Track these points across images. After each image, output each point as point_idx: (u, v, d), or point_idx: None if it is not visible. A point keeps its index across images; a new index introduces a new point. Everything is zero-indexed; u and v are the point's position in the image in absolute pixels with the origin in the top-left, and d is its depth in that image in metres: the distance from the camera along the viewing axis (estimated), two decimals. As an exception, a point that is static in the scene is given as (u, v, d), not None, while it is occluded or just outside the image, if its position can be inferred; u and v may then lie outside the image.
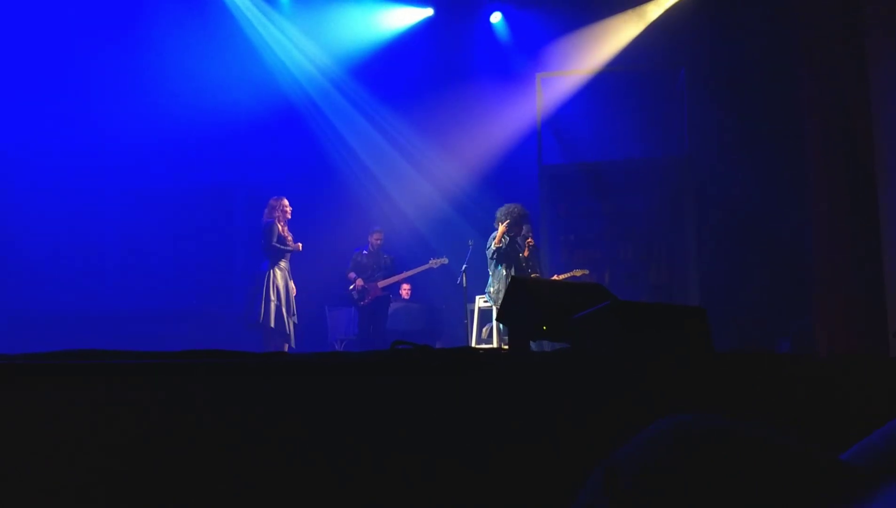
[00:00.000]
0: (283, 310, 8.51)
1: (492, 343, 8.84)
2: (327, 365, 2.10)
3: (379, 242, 10.04)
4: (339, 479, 1.86)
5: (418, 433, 1.91)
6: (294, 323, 8.68)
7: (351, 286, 9.88)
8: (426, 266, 10.09)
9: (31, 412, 1.88)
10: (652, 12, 10.42)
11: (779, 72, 8.77)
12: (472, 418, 1.94)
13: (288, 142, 11.47)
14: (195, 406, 1.92)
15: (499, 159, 10.99)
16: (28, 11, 10.38)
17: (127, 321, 10.08)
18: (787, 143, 8.49)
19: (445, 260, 9.96)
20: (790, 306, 8.62)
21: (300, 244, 8.68)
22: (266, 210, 8.71)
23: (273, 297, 8.46)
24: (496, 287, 8.53)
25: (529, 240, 8.88)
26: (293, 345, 8.64)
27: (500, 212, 8.64)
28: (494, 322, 8.73)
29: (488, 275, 8.72)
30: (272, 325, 8.43)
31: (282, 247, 8.55)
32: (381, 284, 9.92)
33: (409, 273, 10.26)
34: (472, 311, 9.32)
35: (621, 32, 10.53)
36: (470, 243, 9.09)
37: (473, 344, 8.99)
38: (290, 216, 8.72)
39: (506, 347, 5.79)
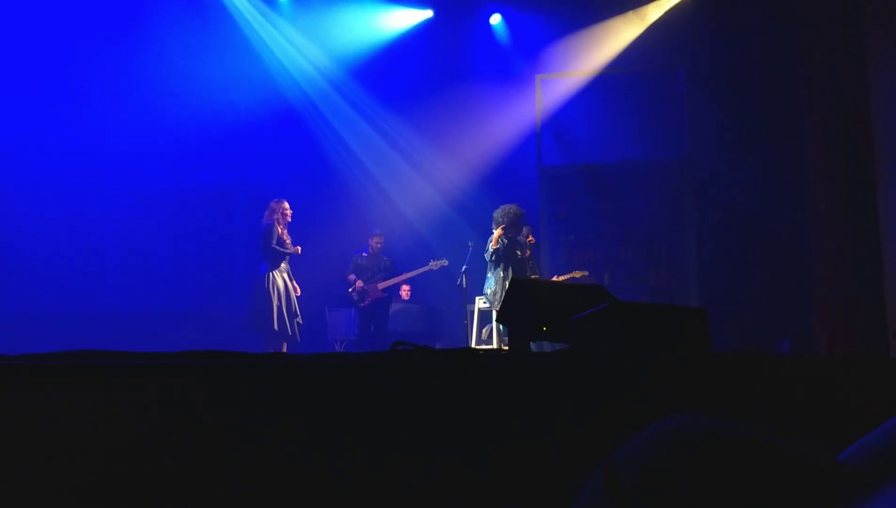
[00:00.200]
0: (284, 311, 8.50)
1: (492, 344, 8.84)
2: (327, 366, 2.10)
3: (379, 245, 10.05)
4: (339, 480, 1.86)
5: (418, 434, 1.91)
6: (299, 323, 8.67)
7: (351, 288, 9.88)
8: (426, 268, 10.10)
9: (31, 412, 1.88)
10: (651, 13, 10.42)
11: (778, 72, 8.77)
12: (472, 418, 1.94)
13: (288, 143, 11.47)
14: (195, 407, 1.92)
15: (498, 161, 11.00)
16: (28, 12, 10.38)
17: (127, 322, 10.08)
18: (787, 143, 8.49)
19: (445, 262, 9.96)
20: (790, 307, 8.61)
21: (299, 248, 8.67)
22: (266, 212, 8.71)
23: (274, 299, 8.45)
24: (493, 289, 8.53)
25: (531, 239, 8.88)
26: (299, 342, 8.63)
27: (496, 214, 8.65)
28: (494, 323, 8.73)
29: (487, 276, 8.72)
30: (274, 327, 8.43)
31: (280, 250, 8.55)
32: (381, 285, 9.92)
33: (409, 275, 10.26)
34: (472, 312, 9.32)
35: (621, 34, 10.53)
36: (470, 244, 9.10)
37: (473, 345, 8.98)
38: (290, 219, 8.71)
39: (506, 348, 5.79)
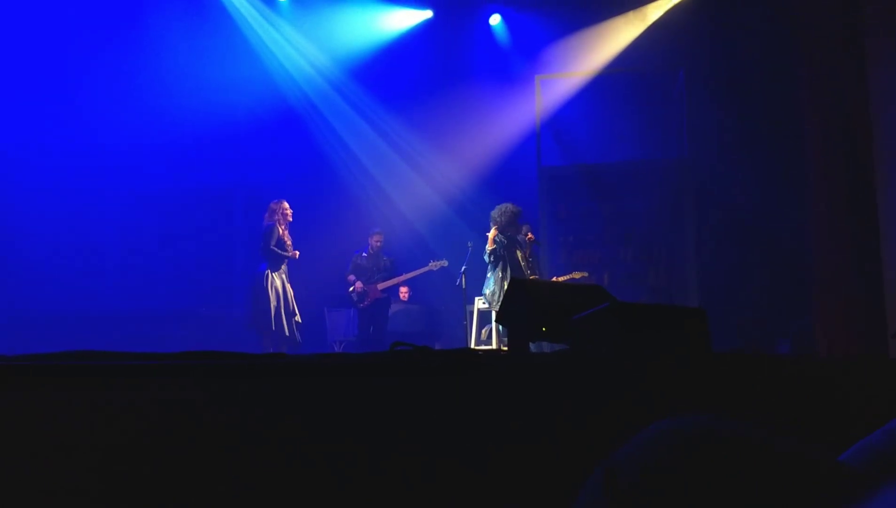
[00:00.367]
0: (283, 311, 8.50)
1: (491, 345, 8.84)
2: (327, 366, 2.10)
3: (379, 243, 10.03)
4: (339, 480, 1.86)
5: (418, 434, 1.91)
6: (297, 322, 8.67)
7: (350, 289, 9.88)
8: (426, 269, 10.09)
9: (31, 413, 1.88)
10: (651, 14, 10.42)
11: (778, 72, 8.77)
12: (471, 419, 1.94)
13: (287, 143, 11.48)
14: (194, 407, 1.92)
15: (498, 161, 11.01)
16: (28, 12, 10.38)
17: (126, 322, 10.08)
18: (787, 144, 8.50)
19: (445, 263, 9.96)
20: (790, 307, 8.62)
21: (297, 252, 8.68)
22: (267, 214, 8.72)
23: (272, 299, 8.46)
24: (492, 289, 8.54)
25: (530, 236, 8.88)
26: (299, 342, 8.63)
27: (493, 213, 8.67)
28: (493, 324, 8.73)
29: (486, 277, 8.72)
30: (272, 327, 8.43)
31: (279, 251, 8.55)
32: (381, 286, 9.91)
33: (409, 275, 10.25)
34: (472, 312, 9.32)
35: (620, 34, 10.54)
36: (469, 244, 9.10)
37: (473, 345, 8.98)
38: (290, 219, 8.72)
39: (505, 348, 5.79)
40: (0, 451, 1.85)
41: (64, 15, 10.48)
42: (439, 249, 10.40)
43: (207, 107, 10.56)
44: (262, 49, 11.21)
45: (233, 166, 11.51)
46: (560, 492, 1.44)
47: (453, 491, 1.85)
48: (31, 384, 1.91)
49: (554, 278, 9.18)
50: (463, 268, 9.05)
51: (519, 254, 8.66)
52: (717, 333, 2.88)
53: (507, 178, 10.69)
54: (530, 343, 3.19)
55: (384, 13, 11.14)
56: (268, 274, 8.51)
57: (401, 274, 10.18)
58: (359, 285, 9.81)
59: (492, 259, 8.56)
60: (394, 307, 10.30)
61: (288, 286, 8.64)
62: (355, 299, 9.86)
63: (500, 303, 7.51)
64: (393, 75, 11.27)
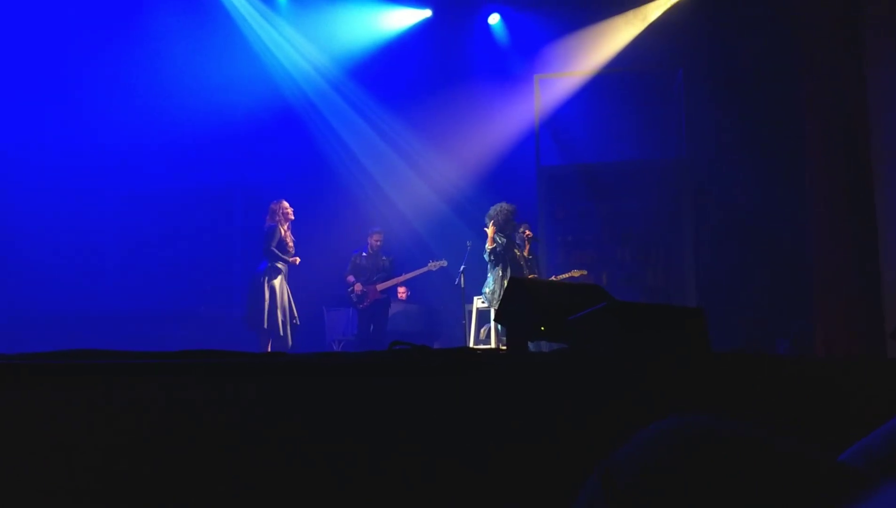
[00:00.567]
0: (278, 312, 8.49)
1: (490, 344, 8.84)
2: (327, 366, 2.10)
3: (378, 243, 10.01)
4: (339, 480, 1.86)
5: (418, 434, 1.91)
6: (294, 324, 8.66)
7: (350, 290, 9.86)
8: (425, 269, 10.08)
9: (30, 412, 1.88)
10: (650, 13, 10.42)
11: (777, 72, 8.78)
12: (471, 418, 1.94)
13: (287, 143, 11.47)
14: (194, 407, 1.92)
15: (497, 161, 11.00)
16: (27, 12, 10.37)
17: (126, 322, 10.07)
18: (786, 144, 8.50)
19: (444, 263, 9.94)
20: (789, 307, 8.62)
21: (297, 259, 8.67)
22: (268, 215, 8.70)
23: (267, 298, 8.45)
24: (492, 288, 8.54)
25: (528, 233, 8.87)
26: (289, 345, 8.61)
27: (490, 212, 8.67)
28: (492, 323, 8.73)
29: (487, 276, 8.73)
30: (264, 325, 8.42)
31: (280, 254, 8.53)
32: (380, 287, 9.89)
33: (408, 276, 10.23)
34: (471, 312, 9.32)
35: (619, 34, 10.54)
36: (468, 244, 9.10)
37: (472, 345, 8.99)
38: (292, 218, 8.72)
39: (504, 347, 5.79)
40: None
41: (63, 15, 10.47)
42: (438, 249, 10.40)
43: (207, 107, 10.56)
44: (261, 48, 11.21)
45: (232, 166, 11.50)
46: (560, 492, 1.44)
47: (453, 491, 1.85)
48: (30, 383, 1.91)
49: (553, 278, 9.19)
50: (462, 268, 9.05)
51: (517, 253, 8.66)
52: (717, 333, 2.88)
53: (505, 177, 10.69)
54: (529, 343, 3.19)
55: (383, 12, 11.14)
56: (267, 274, 8.51)
57: (400, 274, 10.16)
58: (358, 286, 9.79)
59: (491, 258, 8.57)
60: (393, 307, 10.29)
61: (286, 288, 8.63)
62: (355, 300, 9.85)
63: (499, 302, 7.51)
64: (392, 75, 11.27)
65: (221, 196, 11.66)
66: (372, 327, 9.88)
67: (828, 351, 6.75)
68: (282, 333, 8.51)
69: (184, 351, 2.21)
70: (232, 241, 11.55)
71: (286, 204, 8.69)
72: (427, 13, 11.19)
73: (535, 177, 10.49)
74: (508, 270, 8.50)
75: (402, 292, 10.72)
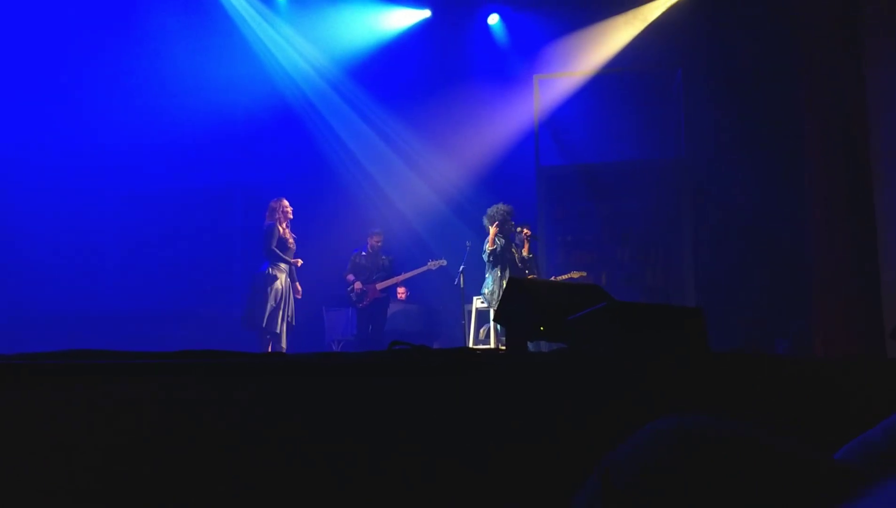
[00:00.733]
0: (279, 312, 8.47)
1: (489, 344, 8.85)
2: (327, 366, 2.10)
3: (378, 244, 10.02)
4: (339, 480, 1.86)
5: (418, 434, 1.92)
6: (290, 324, 8.64)
7: (349, 289, 9.87)
8: (424, 268, 10.08)
9: (30, 412, 1.88)
10: (649, 13, 10.42)
11: (776, 72, 8.78)
12: (471, 418, 1.94)
13: (286, 143, 11.47)
14: (194, 407, 1.92)
15: (496, 161, 11.00)
16: (27, 13, 10.37)
17: (126, 322, 10.07)
18: (785, 144, 8.50)
19: (444, 262, 9.95)
20: (788, 307, 8.62)
21: (299, 261, 8.66)
22: (267, 213, 8.68)
23: (270, 299, 8.43)
24: (491, 289, 8.55)
25: (527, 231, 8.86)
26: (284, 346, 8.58)
27: (489, 212, 8.67)
28: (492, 323, 8.73)
29: (485, 276, 8.73)
30: (263, 324, 8.41)
31: (280, 254, 8.52)
32: (380, 286, 9.90)
33: (408, 275, 10.23)
34: (470, 312, 9.32)
35: (618, 34, 10.54)
36: (468, 244, 9.10)
37: (471, 345, 8.99)
38: (291, 216, 8.70)
39: (503, 347, 5.80)
40: None
41: (62, 15, 10.46)
42: (438, 248, 10.40)
43: (206, 107, 10.56)
44: (260, 48, 11.21)
45: (232, 166, 11.49)
46: (560, 492, 1.45)
47: (453, 491, 1.85)
48: (30, 383, 1.91)
49: (552, 278, 9.19)
50: (461, 267, 9.05)
51: (516, 253, 8.66)
52: (716, 333, 2.89)
53: (505, 178, 10.69)
54: (528, 343, 3.19)
55: (383, 12, 11.14)
56: (268, 274, 8.49)
57: (399, 274, 10.17)
58: (358, 285, 9.80)
59: (490, 259, 8.57)
60: (392, 307, 10.29)
61: (289, 288, 8.61)
62: (354, 299, 9.85)
63: (498, 302, 7.52)
64: (391, 75, 11.27)
65: (221, 196, 11.65)
66: (371, 327, 9.89)
67: (827, 351, 6.75)
68: (278, 332, 8.49)
69: (183, 351, 2.21)
70: (232, 241, 11.53)
71: (286, 203, 8.68)
72: (426, 13, 11.19)
73: (535, 177, 10.49)
74: (507, 270, 8.50)
75: (401, 292, 10.72)
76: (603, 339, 2.53)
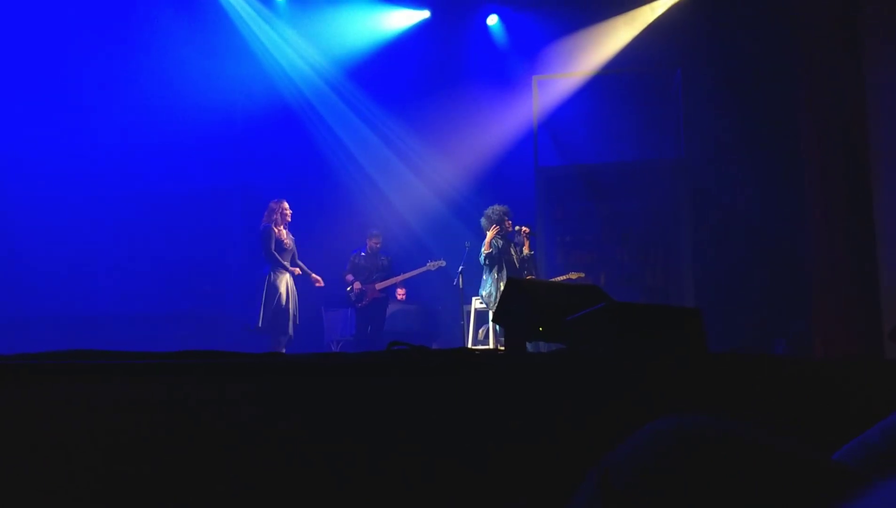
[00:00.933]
0: (289, 314, 8.46)
1: (488, 345, 8.85)
2: (326, 366, 2.10)
3: (377, 245, 10.03)
4: (338, 480, 1.86)
5: (416, 434, 1.92)
6: (296, 324, 8.63)
7: (349, 289, 9.87)
8: (423, 268, 10.08)
9: (29, 412, 1.88)
10: (648, 14, 10.42)
11: (775, 73, 8.78)
12: (470, 418, 1.94)
13: (285, 144, 11.46)
14: (193, 406, 1.92)
15: (495, 161, 11.00)
16: (26, 14, 10.36)
17: (125, 322, 10.06)
18: (785, 144, 8.51)
19: (443, 263, 9.95)
20: (788, 308, 8.63)
21: (297, 270, 8.64)
22: (265, 213, 8.67)
23: (279, 302, 8.42)
24: (489, 290, 8.54)
25: (526, 229, 8.84)
26: (284, 348, 8.58)
27: (487, 213, 8.66)
28: (491, 324, 8.73)
29: (483, 278, 8.72)
30: (289, 330, 8.42)
31: (278, 256, 8.50)
32: (379, 286, 9.90)
33: (407, 275, 10.24)
34: (469, 312, 9.32)
35: (617, 34, 10.54)
36: (467, 244, 9.10)
37: (470, 345, 8.99)
38: (290, 219, 8.68)
39: (502, 348, 5.80)
40: (-1, 451, 1.85)
41: (61, 17, 10.46)
42: (437, 249, 10.40)
43: (205, 107, 10.55)
44: (259, 49, 11.20)
45: (230, 167, 11.48)
46: (559, 492, 1.45)
47: (452, 491, 1.85)
48: (30, 383, 1.91)
49: (551, 279, 9.18)
50: (460, 268, 9.05)
51: (514, 253, 8.65)
52: (715, 333, 2.89)
53: (504, 178, 10.69)
54: (527, 343, 3.19)
55: (382, 13, 11.14)
56: (271, 278, 8.47)
57: (398, 274, 10.18)
58: (357, 284, 9.81)
59: (487, 262, 8.56)
60: (391, 307, 10.30)
61: (293, 287, 8.62)
62: (353, 298, 9.86)
63: (496, 304, 7.52)
64: (390, 75, 11.27)
65: (220, 197, 11.63)
66: (370, 327, 9.90)
67: (826, 351, 6.76)
68: (290, 332, 8.50)
69: (183, 351, 2.21)
70: (230, 243, 11.53)
71: (286, 204, 8.66)
72: (425, 14, 11.19)
73: (534, 178, 10.49)
74: (504, 271, 8.49)
75: (400, 293, 10.72)
76: (602, 339, 2.53)
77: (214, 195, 11.54)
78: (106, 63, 10.73)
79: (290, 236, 8.67)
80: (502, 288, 7.35)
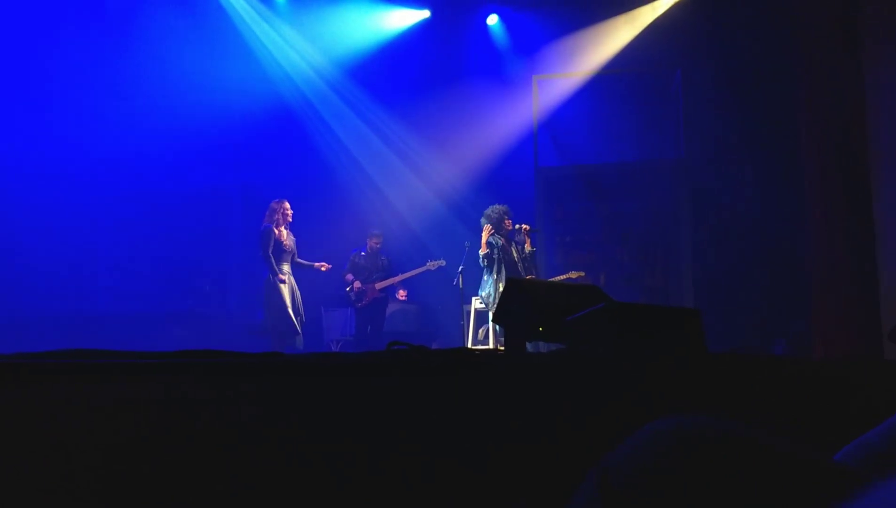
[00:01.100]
0: (290, 311, 8.45)
1: (488, 345, 8.84)
2: (325, 365, 2.10)
3: (377, 245, 10.03)
4: (338, 480, 1.86)
5: (416, 434, 1.92)
6: (301, 322, 8.63)
7: (348, 288, 9.87)
8: (423, 268, 10.09)
9: (28, 411, 1.88)
10: (648, 14, 10.42)
11: (776, 72, 8.78)
12: (469, 418, 1.94)
13: (285, 144, 11.46)
14: (193, 406, 1.92)
15: (495, 161, 11.00)
16: (25, 14, 10.35)
17: (124, 322, 10.05)
18: (784, 144, 8.51)
19: (442, 262, 9.95)
20: (788, 308, 8.63)
21: (282, 278, 8.58)
22: (267, 213, 8.65)
23: (274, 305, 8.42)
24: (488, 291, 8.54)
25: (526, 226, 8.83)
26: (301, 346, 8.57)
27: (486, 212, 8.66)
28: (490, 324, 8.73)
29: (483, 278, 8.72)
30: (297, 331, 8.41)
31: (274, 264, 8.46)
32: (379, 286, 9.91)
33: (407, 275, 10.25)
34: (469, 312, 9.31)
35: (617, 35, 10.53)
36: (467, 244, 9.09)
37: (469, 345, 8.98)
38: (291, 219, 8.67)
39: (502, 348, 5.80)
40: (-2, 450, 1.85)
41: (60, 17, 10.45)
42: (436, 249, 10.40)
43: (205, 108, 10.54)
44: (259, 49, 11.20)
45: (230, 167, 11.49)
46: (558, 493, 1.45)
47: (452, 491, 1.85)
48: (30, 383, 1.91)
49: (550, 279, 9.18)
50: (460, 268, 9.05)
51: (514, 253, 8.65)
52: (715, 333, 2.89)
53: (503, 178, 10.69)
54: (527, 343, 3.19)
55: (382, 13, 11.14)
56: (270, 281, 8.46)
57: (398, 274, 10.18)
58: (357, 284, 9.81)
59: (485, 263, 8.55)
60: (391, 307, 10.30)
61: (295, 287, 8.61)
62: (353, 298, 9.86)
63: (496, 304, 7.52)
64: (390, 75, 11.27)
65: (220, 197, 11.64)
66: (370, 327, 9.90)
67: (826, 352, 6.75)
68: (298, 333, 8.49)
69: (183, 351, 2.21)
70: (231, 242, 11.53)
71: (287, 204, 8.65)
72: (425, 14, 11.19)
73: (534, 178, 10.49)
74: (504, 271, 8.48)
75: (402, 294, 10.73)
76: (602, 340, 2.53)
77: (214, 195, 11.54)
78: (106, 63, 10.72)
79: (292, 236, 8.66)
80: (502, 288, 7.36)
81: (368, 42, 11.22)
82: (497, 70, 11.15)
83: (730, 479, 0.84)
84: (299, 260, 8.76)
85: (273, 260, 8.46)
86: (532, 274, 8.70)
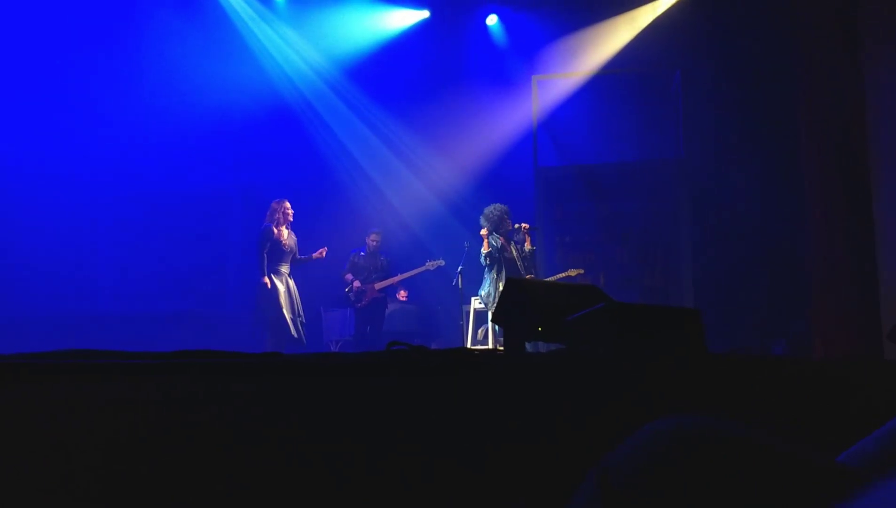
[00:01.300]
0: (286, 312, 8.44)
1: (487, 345, 8.84)
2: (325, 365, 2.10)
3: (376, 243, 10.03)
4: (337, 480, 1.86)
5: (415, 434, 1.91)
6: (302, 323, 8.62)
7: (347, 288, 9.88)
8: (422, 268, 10.09)
9: (27, 411, 1.88)
10: (648, 14, 10.42)
11: (775, 72, 8.78)
12: (469, 419, 1.94)
13: (285, 144, 11.45)
14: (192, 406, 1.92)
15: (494, 162, 11.00)
16: (25, 14, 10.35)
17: (124, 323, 10.05)
18: (784, 144, 8.50)
19: (442, 262, 9.96)
20: (787, 308, 8.63)
21: (272, 283, 8.53)
22: (267, 213, 8.64)
23: (283, 303, 8.40)
24: (487, 290, 8.54)
25: (525, 225, 8.82)
26: (304, 344, 8.54)
27: (485, 212, 8.66)
28: (490, 324, 8.73)
29: (483, 277, 8.72)
30: (292, 332, 8.40)
31: (263, 268, 8.42)
32: (378, 286, 9.91)
33: (406, 275, 10.25)
34: (468, 312, 9.32)
35: (617, 35, 10.53)
36: (466, 244, 9.09)
37: (469, 345, 8.99)
38: (291, 219, 8.65)
39: (501, 348, 5.79)
40: (-3, 450, 1.85)
41: (60, 17, 10.44)
42: (436, 249, 10.40)
43: (204, 108, 10.55)
44: (259, 49, 11.20)
45: (230, 167, 11.49)
46: (558, 493, 1.44)
47: (452, 491, 1.85)
48: (30, 383, 1.91)
49: (549, 278, 9.18)
50: (459, 268, 9.05)
51: (515, 253, 8.64)
52: (715, 333, 2.89)
53: (503, 178, 10.69)
54: (526, 343, 3.19)
55: (381, 13, 11.14)
56: (263, 283, 8.43)
57: (397, 274, 10.18)
58: (356, 284, 9.82)
59: (487, 262, 8.55)
60: (390, 307, 10.31)
61: (291, 286, 8.59)
62: (353, 298, 9.86)
63: (495, 304, 7.52)
64: (390, 75, 11.27)
65: (220, 197, 11.63)
66: (369, 327, 9.91)
67: (826, 352, 6.75)
68: (294, 333, 8.46)
69: (182, 351, 2.21)
70: (232, 242, 11.53)
71: (287, 204, 8.64)
72: (425, 14, 11.19)
73: (533, 178, 10.49)
74: (503, 271, 8.48)
75: (402, 294, 10.73)
76: (601, 340, 2.53)
77: (214, 195, 11.53)
78: (106, 63, 10.72)
79: (293, 235, 8.65)
80: (501, 288, 7.37)
81: (368, 42, 11.22)
82: (497, 70, 11.15)
83: (730, 479, 0.84)
84: (299, 258, 8.74)
85: (266, 260, 8.43)
86: (532, 273, 8.70)
